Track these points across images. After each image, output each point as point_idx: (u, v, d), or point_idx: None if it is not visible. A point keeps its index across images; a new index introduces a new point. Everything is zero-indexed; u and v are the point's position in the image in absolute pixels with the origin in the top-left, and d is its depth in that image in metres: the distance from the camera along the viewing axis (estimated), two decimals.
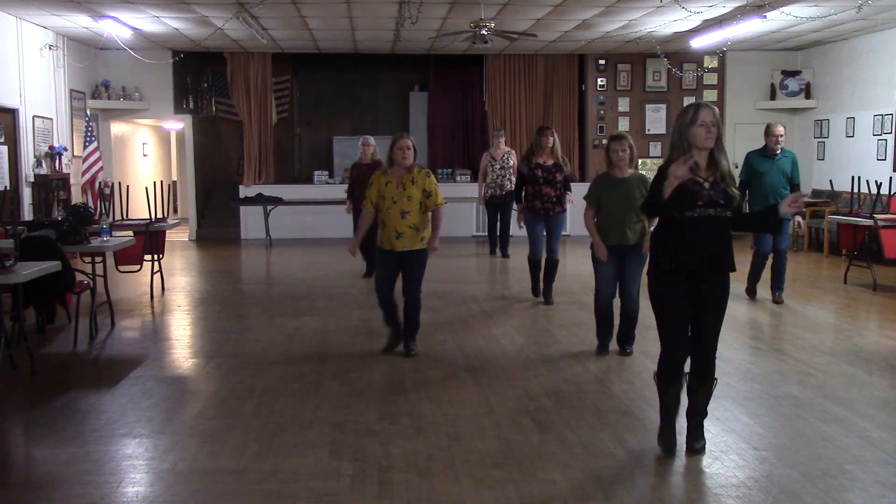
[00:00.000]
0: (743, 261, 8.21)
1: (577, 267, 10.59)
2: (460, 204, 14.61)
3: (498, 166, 11.67)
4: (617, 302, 6.32)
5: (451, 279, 10.29)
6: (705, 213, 4.03)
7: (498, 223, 12.10)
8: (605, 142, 6.56)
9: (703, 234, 4.07)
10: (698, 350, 4.21)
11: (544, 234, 8.29)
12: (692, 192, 4.02)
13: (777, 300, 8.46)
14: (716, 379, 4.28)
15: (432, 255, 6.37)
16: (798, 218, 8.29)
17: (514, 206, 9.43)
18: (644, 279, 4.86)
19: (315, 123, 17.54)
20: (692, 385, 4.26)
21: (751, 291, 8.63)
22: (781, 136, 8.16)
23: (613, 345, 6.44)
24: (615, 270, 6.14)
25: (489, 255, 12.29)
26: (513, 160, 11.57)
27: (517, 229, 11.93)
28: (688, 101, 15.30)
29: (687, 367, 4.28)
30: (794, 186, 8.19)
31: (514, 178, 11.19)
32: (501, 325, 7.54)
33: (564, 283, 9.24)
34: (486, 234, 12.62)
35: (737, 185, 4.14)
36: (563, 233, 8.39)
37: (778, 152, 8.16)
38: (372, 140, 10.03)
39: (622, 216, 6.02)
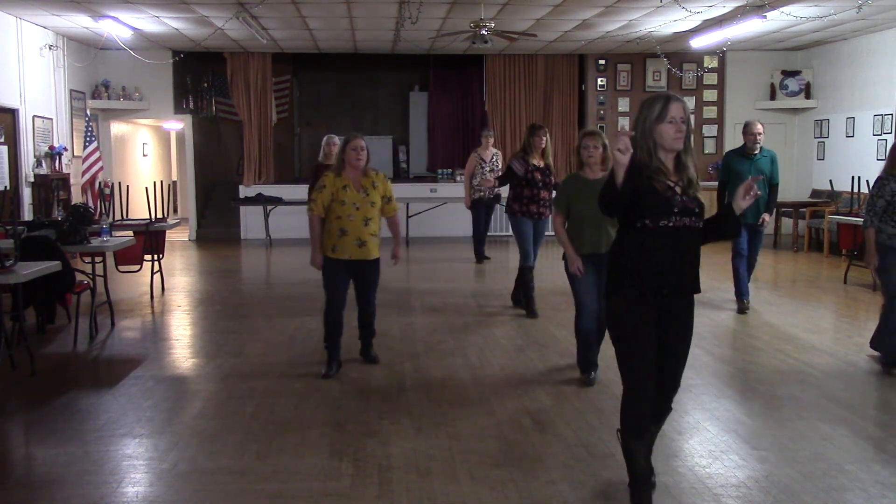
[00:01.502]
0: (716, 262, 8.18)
1: None
2: (460, 204, 14.59)
3: (487, 168, 11.12)
4: None
5: (451, 279, 10.30)
6: (680, 223, 3.43)
7: (481, 225, 11.55)
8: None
9: (676, 248, 3.45)
10: (663, 387, 3.59)
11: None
12: (666, 197, 3.42)
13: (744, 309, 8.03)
14: (671, 408, 3.74)
15: (396, 264, 6.09)
16: (764, 215, 7.81)
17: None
18: None
19: (315, 123, 17.54)
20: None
21: (740, 298, 8.06)
22: (760, 134, 7.81)
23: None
24: (595, 280, 5.43)
25: (475, 263, 11.60)
26: (500, 161, 11.21)
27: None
28: (688, 101, 15.31)
29: None
30: (773, 187, 7.86)
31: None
32: (501, 325, 7.54)
33: (564, 283, 9.23)
34: (479, 237, 11.70)
35: (699, 189, 3.56)
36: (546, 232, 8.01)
37: (756, 152, 7.83)
38: (337, 139, 8.67)
39: (596, 222, 5.31)
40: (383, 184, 5.83)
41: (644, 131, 3.45)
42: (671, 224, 3.43)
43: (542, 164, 7.64)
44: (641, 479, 3.61)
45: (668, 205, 3.42)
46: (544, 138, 7.62)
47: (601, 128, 15.24)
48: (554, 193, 7.62)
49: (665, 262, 3.46)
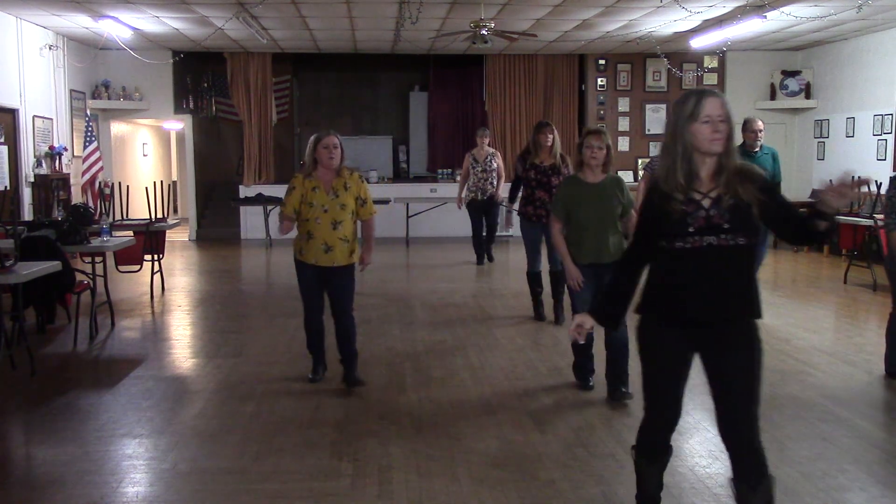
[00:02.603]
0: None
1: None
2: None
3: (479, 168, 10.88)
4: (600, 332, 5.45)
5: (451, 279, 10.29)
6: (702, 243, 2.94)
7: (483, 228, 11.41)
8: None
9: (701, 271, 2.96)
10: (733, 437, 3.00)
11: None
12: (682, 214, 2.96)
13: None
14: (772, 477, 3.00)
15: (365, 270, 5.67)
16: None
17: (505, 204, 8.74)
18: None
19: (315, 123, 17.49)
20: (741, 490, 3.01)
21: None
22: (761, 131, 7.62)
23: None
24: (594, 292, 5.07)
25: (476, 264, 11.47)
26: (496, 162, 10.97)
27: (502, 231, 11.74)
28: None
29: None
30: (775, 185, 7.75)
31: (496, 182, 10.94)
32: (501, 326, 7.53)
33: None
34: (477, 239, 11.55)
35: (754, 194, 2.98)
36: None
37: (757, 149, 7.59)
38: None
39: (597, 229, 5.02)
40: (357, 185, 5.40)
41: (675, 134, 2.98)
42: (688, 246, 2.95)
43: (547, 163, 7.28)
44: (654, 495, 3.37)
45: (680, 225, 2.96)
46: (550, 136, 7.30)
47: (603, 127, 15.20)
48: None
49: (688, 287, 2.99)
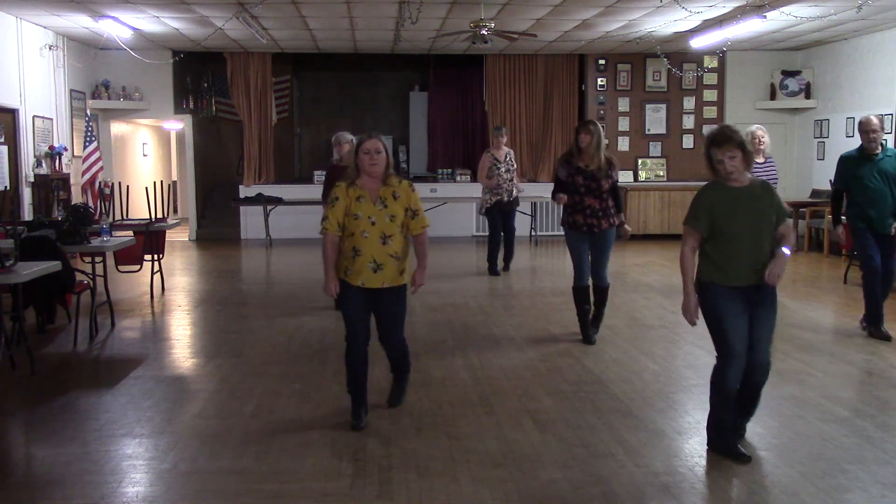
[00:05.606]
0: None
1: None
2: (460, 204, 14.64)
3: (503, 168, 10.27)
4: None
5: (451, 279, 10.28)
6: None
7: (502, 232, 10.53)
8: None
9: None
10: None
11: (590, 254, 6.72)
12: None
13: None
14: None
15: (418, 290, 4.95)
16: None
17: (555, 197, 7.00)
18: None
19: (315, 123, 17.56)
20: None
21: (876, 324, 6.85)
22: (876, 130, 6.67)
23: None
24: (746, 321, 4.16)
25: (488, 275, 10.47)
26: (513, 160, 10.60)
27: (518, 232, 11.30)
28: (688, 101, 15.35)
29: None
30: None
31: (520, 184, 10.63)
32: (501, 325, 7.53)
33: (564, 282, 9.22)
34: (487, 240, 10.76)
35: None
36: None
37: (878, 151, 6.71)
38: (348, 137, 7.63)
39: (753, 244, 4.12)
40: (407, 194, 4.80)
41: None
42: None
43: (591, 167, 6.54)
44: None
45: None
46: (590, 137, 6.51)
47: (602, 127, 15.17)
48: (608, 200, 6.59)
49: None
